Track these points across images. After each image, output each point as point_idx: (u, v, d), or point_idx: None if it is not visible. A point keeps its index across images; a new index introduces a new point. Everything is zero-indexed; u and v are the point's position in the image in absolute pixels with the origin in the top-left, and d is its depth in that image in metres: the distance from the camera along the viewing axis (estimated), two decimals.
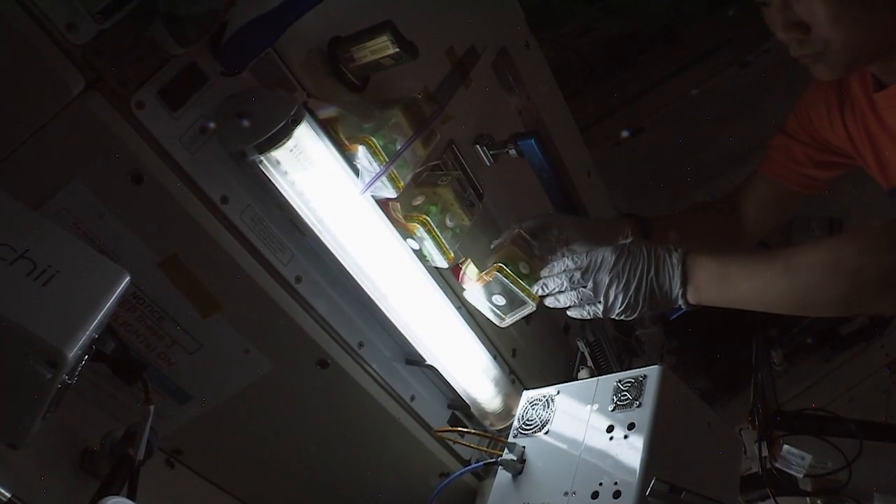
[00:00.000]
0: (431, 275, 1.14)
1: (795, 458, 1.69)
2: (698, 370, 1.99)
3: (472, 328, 1.25)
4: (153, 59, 0.79)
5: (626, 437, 1.05)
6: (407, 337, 1.15)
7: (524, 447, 1.17)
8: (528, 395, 1.27)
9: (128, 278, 0.75)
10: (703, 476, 1.08)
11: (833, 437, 1.68)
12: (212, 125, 0.85)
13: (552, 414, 1.19)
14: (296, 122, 0.86)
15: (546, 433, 1.17)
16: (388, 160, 0.96)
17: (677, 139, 2.05)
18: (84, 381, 0.92)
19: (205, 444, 1.08)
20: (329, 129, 0.93)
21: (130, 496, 0.87)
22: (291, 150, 0.88)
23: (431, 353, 1.19)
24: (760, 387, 1.74)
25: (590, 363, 1.50)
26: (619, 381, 1.13)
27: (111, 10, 0.73)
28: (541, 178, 1.38)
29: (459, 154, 1.22)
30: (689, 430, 1.13)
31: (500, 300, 1.21)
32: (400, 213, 1.08)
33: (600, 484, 1.01)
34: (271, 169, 0.88)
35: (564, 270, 1.17)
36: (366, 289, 1.06)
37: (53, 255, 0.70)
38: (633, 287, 1.12)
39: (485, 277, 1.19)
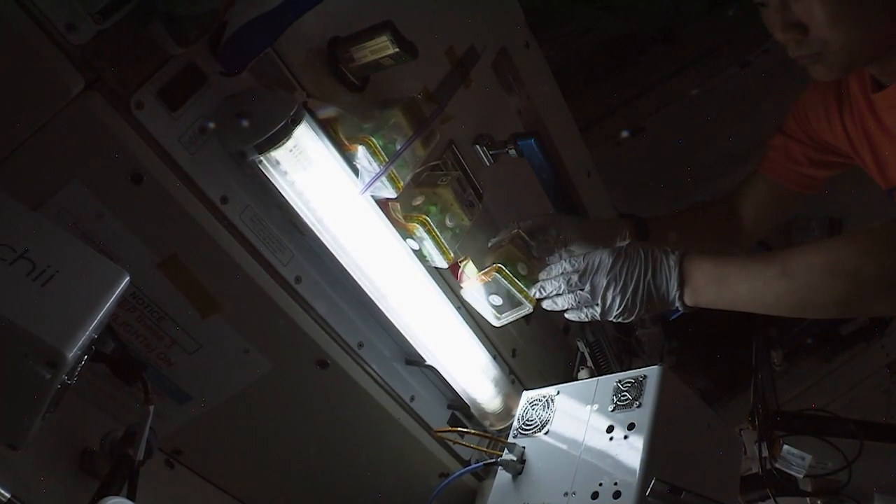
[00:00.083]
0: (431, 275, 1.14)
1: (795, 459, 1.69)
2: (698, 370, 1.99)
3: (471, 328, 1.25)
4: (153, 59, 0.79)
5: (626, 437, 1.05)
6: (407, 337, 1.15)
7: (524, 447, 1.17)
8: (527, 395, 1.27)
9: (127, 278, 0.75)
10: (703, 476, 1.08)
11: (833, 437, 1.68)
12: (211, 125, 0.85)
13: (552, 414, 1.19)
14: (295, 123, 0.86)
15: (546, 433, 1.17)
16: (387, 160, 0.96)
17: (677, 139, 2.05)
18: (83, 381, 0.92)
19: (204, 445, 1.08)
20: (329, 129, 0.93)
21: (130, 496, 0.87)
22: (291, 151, 0.88)
23: (431, 353, 1.19)
24: (760, 387, 1.74)
25: (590, 363, 1.50)
26: (619, 382, 1.13)
27: (110, 10, 0.73)
28: (541, 179, 1.38)
29: (459, 154, 1.22)
30: (689, 431, 1.13)
31: (497, 300, 1.22)
32: (400, 213, 1.08)
33: (600, 484, 1.01)
34: (271, 169, 0.88)
35: (562, 273, 1.17)
36: (365, 289, 1.06)
37: (53, 256, 0.70)
38: (630, 289, 1.13)
39: (483, 277, 1.19)
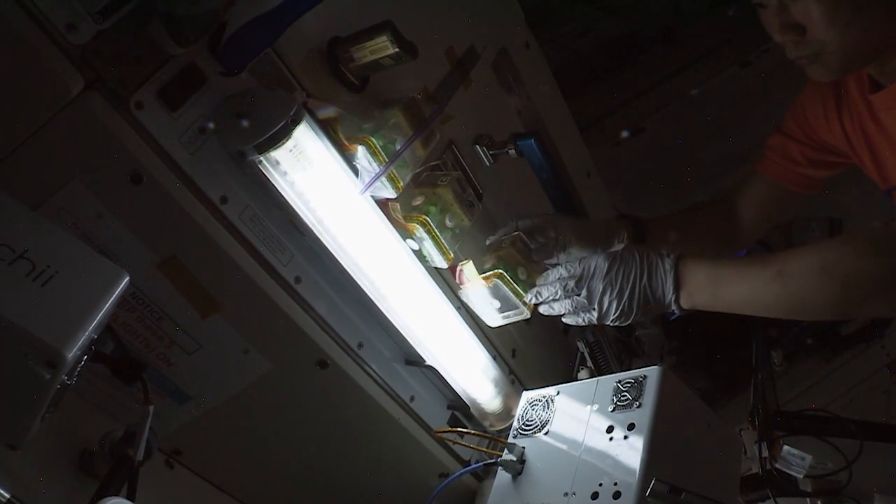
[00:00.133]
0: (431, 275, 1.14)
1: (795, 459, 1.69)
2: (698, 370, 1.99)
3: (471, 329, 1.25)
4: (152, 59, 0.79)
5: (625, 437, 1.05)
6: (406, 337, 1.15)
7: (524, 448, 1.16)
8: (527, 395, 1.27)
9: (127, 279, 0.75)
10: (702, 477, 1.08)
11: (833, 437, 1.68)
12: (211, 125, 0.85)
13: (552, 414, 1.19)
14: (295, 123, 0.86)
15: (546, 434, 1.17)
16: (387, 160, 0.96)
17: (677, 139, 2.05)
18: (83, 381, 0.91)
19: (204, 445, 1.08)
20: (329, 129, 0.93)
21: (129, 497, 0.87)
22: (291, 151, 0.87)
23: (431, 353, 1.19)
24: (760, 387, 1.74)
25: (590, 364, 1.50)
26: (619, 382, 1.13)
27: (110, 10, 0.73)
28: (540, 179, 1.38)
29: (459, 154, 1.22)
30: (689, 431, 1.13)
31: (496, 303, 1.22)
32: (399, 213, 1.08)
33: (600, 484, 1.01)
34: (271, 169, 0.88)
35: (558, 279, 1.18)
36: (365, 289, 1.06)
37: (52, 256, 0.70)
38: (626, 294, 1.13)
39: (484, 282, 1.19)
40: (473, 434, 1.28)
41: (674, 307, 1.14)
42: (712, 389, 1.99)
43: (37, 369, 0.67)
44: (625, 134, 2.00)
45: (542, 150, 1.29)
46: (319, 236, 0.98)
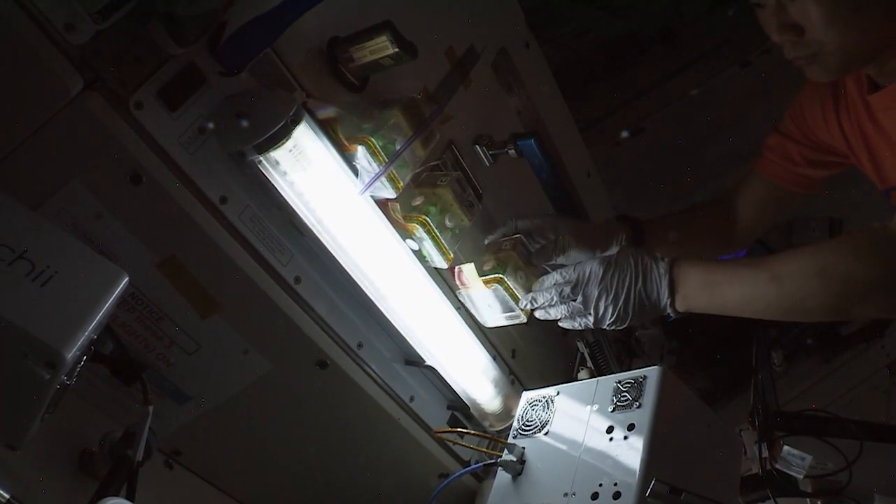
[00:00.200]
0: (431, 275, 1.14)
1: (796, 459, 1.69)
2: (698, 370, 1.98)
3: (471, 329, 1.25)
4: (152, 59, 0.79)
5: (625, 437, 1.05)
6: (406, 337, 1.15)
7: (524, 448, 1.16)
8: (527, 395, 1.27)
9: (126, 279, 0.75)
10: (703, 477, 1.08)
11: (833, 437, 1.68)
12: (211, 125, 0.85)
13: (552, 415, 1.19)
14: (295, 123, 0.86)
15: (546, 434, 1.17)
16: (387, 160, 0.95)
17: (677, 139, 2.05)
18: (83, 381, 0.91)
19: (204, 445, 1.08)
20: (328, 129, 0.93)
21: (129, 497, 0.87)
22: (290, 151, 0.87)
23: (431, 353, 1.19)
24: (760, 387, 1.74)
25: (589, 364, 1.50)
26: (619, 382, 1.13)
27: (109, 10, 0.73)
28: (540, 179, 1.38)
29: (459, 154, 1.22)
30: (689, 431, 1.13)
31: (495, 305, 1.22)
32: (399, 213, 1.08)
33: (600, 485, 1.01)
34: (270, 169, 0.88)
35: (554, 285, 1.18)
36: (365, 289, 1.06)
37: (52, 256, 0.70)
38: (622, 299, 1.14)
39: (483, 286, 1.19)
40: (473, 434, 1.28)
41: (669, 311, 1.14)
42: (712, 389, 1.98)
43: (36, 369, 0.67)
44: (625, 134, 2.00)
45: (541, 150, 1.29)
46: (319, 236, 0.98)
